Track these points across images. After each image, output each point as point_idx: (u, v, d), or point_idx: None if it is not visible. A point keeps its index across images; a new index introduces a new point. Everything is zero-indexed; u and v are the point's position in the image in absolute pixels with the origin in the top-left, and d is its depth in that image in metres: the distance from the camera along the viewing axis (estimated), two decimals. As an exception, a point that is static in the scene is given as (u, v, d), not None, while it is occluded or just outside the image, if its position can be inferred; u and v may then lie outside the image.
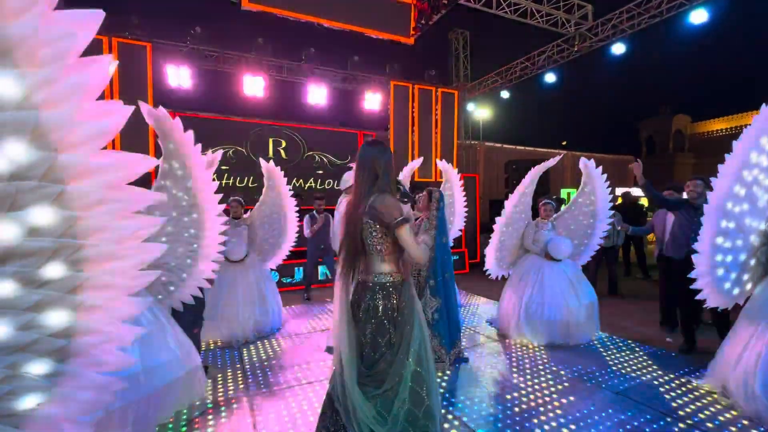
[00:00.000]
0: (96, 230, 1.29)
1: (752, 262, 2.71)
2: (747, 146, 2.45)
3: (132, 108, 1.25)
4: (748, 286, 2.77)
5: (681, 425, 2.45)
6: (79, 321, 1.36)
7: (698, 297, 2.73)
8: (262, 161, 4.43)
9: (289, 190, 4.57)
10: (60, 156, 1.17)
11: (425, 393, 1.59)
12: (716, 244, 2.60)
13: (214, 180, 2.88)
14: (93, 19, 1.11)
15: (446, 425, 2.43)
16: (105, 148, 1.25)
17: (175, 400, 2.50)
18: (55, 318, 1.31)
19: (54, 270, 1.25)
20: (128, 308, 1.45)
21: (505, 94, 10.66)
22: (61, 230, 1.23)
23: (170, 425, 2.43)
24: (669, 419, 2.52)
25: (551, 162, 4.06)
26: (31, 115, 1.10)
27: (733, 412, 2.57)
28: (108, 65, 1.16)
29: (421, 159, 5.67)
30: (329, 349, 3.56)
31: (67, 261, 1.27)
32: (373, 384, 1.59)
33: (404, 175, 5.32)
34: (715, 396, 2.78)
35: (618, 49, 7.78)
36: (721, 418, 2.54)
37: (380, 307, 1.65)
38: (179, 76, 7.69)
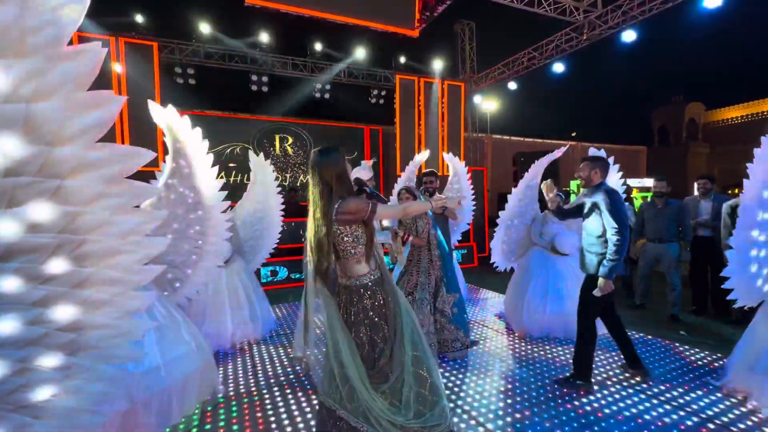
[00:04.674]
0: (97, 225, 1.28)
1: None
2: None
3: (124, 98, 1.22)
4: None
5: (694, 419, 2.41)
6: (86, 316, 1.37)
7: (730, 297, 2.60)
8: (251, 154, 4.21)
9: (277, 186, 4.33)
10: (54, 150, 1.15)
11: (426, 372, 1.69)
12: (752, 238, 2.44)
13: (220, 178, 2.91)
14: (78, 4, 1.07)
15: (455, 419, 2.43)
16: (114, 141, 1.24)
17: (196, 392, 2.53)
18: (62, 313, 1.32)
19: (57, 265, 1.26)
20: (136, 302, 1.46)
21: (512, 86, 10.51)
22: (61, 226, 1.23)
23: (183, 418, 2.47)
24: (682, 413, 2.48)
25: (556, 154, 3.98)
26: (21, 108, 1.07)
27: (760, 416, 2.44)
28: (98, 53, 1.12)
29: (428, 152, 5.61)
30: (293, 360, 3.40)
31: (70, 257, 1.27)
32: (379, 380, 1.65)
33: (410, 170, 5.29)
34: (738, 398, 2.64)
35: (628, 36, 7.58)
36: (748, 421, 2.47)
37: (369, 307, 1.72)
38: (185, 74, 7.73)
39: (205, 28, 7.90)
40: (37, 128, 1.11)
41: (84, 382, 1.46)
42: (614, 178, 4.06)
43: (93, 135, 1.19)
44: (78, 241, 1.26)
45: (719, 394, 2.70)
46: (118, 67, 6.96)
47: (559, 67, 9.12)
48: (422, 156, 5.40)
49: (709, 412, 2.48)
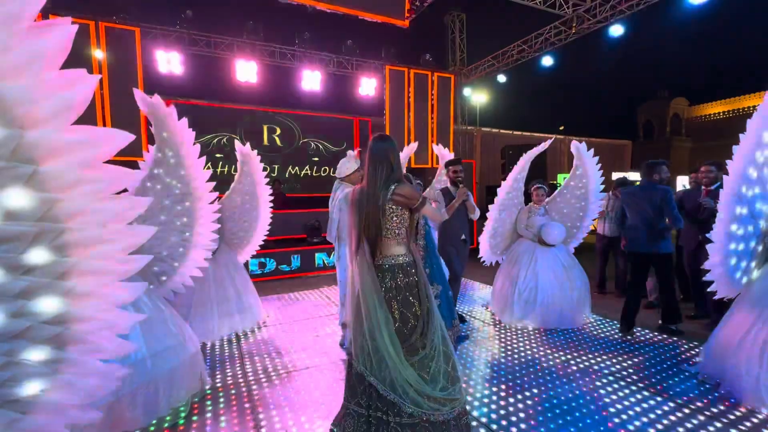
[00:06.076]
0: (77, 213, 1.24)
1: (760, 248, 2.64)
2: (760, 125, 2.35)
3: (98, 77, 1.17)
4: (755, 274, 2.68)
5: (671, 404, 2.50)
6: (71, 308, 1.34)
7: (710, 289, 2.67)
8: (237, 144, 4.10)
9: (265, 177, 4.24)
10: (27, 133, 1.10)
11: (450, 350, 1.85)
12: (730, 232, 2.50)
13: (207, 168, 2.86)
14: None
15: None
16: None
17: (184, 385, 2.51)
18: (46, 305, 1.29)
19: (38, 255, 1.22)
20: (122, 294, 1.42)
21: (501, 78, 10.53)
22: (39, 213, 1.19)
23: (170, 410, 2.45)
24: (659, 399, 2.57)
25: (542, 147, 4.04)
26: None
27: (732, 400, 2.52)
28: (68, 29, 1.07)
29: (416, 144, 5.61)
30: (345, 325, 3.46)
31: (50, 246, 1.24)
32: (410, 353, 1.78)
33: (402, 159, 5.29)
34: (712, 384, 2.72)
35: (616, 30, 7.66)
36: (721, 406, 2.57)
37: (403, 285, 1.84)
38: (170, 61, 7.53)
39: (189, 14, 7.69)
40: (7, 110, 1.06)
41: (74, 376, 1.43)
42: (593, 170, 4.14)
43: (67, 117, 1.13)
44: (58, 230, 1.22)
45: (694, 381, 2.81)
46: (98, 54, 6.73)
47: (547, 61, 9.17)
48: (411, 148, 5.40)
49: (685, 398, 2.58)
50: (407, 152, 5.36)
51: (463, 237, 3.82)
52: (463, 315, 4.29)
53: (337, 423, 1.91)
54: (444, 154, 5.19)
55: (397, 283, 1.83)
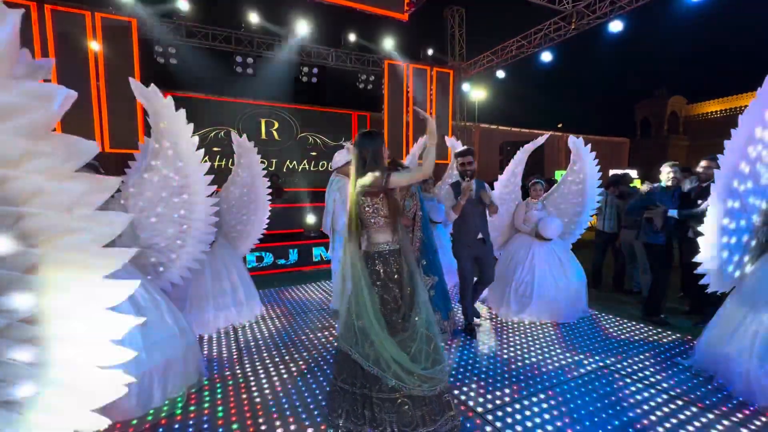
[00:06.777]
0: (32, 194, 1.08)
1: (753, 242, 2.66)
2: (752, 120, 2.36)
3: (21, 11, 0.97)
4: (747, 268, 2.70)
5: (664, 396, 2.54)
6: (49, 307, 1.20)
7: (702, 282, 2.69)
8: (234, 135, 4.02)
9: (263, 169, 4.23)
10: None
11: (433, 334, 1.96)
12: (722, 225, 2.52)
13: (205, 161, 2.85)
14: None
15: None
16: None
17: (180, 376, 2.51)
18: (20, 301, 1.16)
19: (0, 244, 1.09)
20: (108, 293, 1.24)
21: (500, 74, 10.50)
22: None
23: (166, 401, 2.46)
24: (653, 391, 2.60)
25: (539, 141, 4.05)
26: None
27: (724, 392, 2.56)
28: None
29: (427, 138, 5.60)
30: (335, 312, 3.53)
31: (11, 234, 1.09)
32: (392, 333, 1.89)
33: (414, 153, 5.30)
34: (705, 377, 2.76)
35: (615, 26, 7.66)
36: (713, 398, 2.60)
37: (381, 272, 1.97)
38: (166, 53, 7.47)
39: (183, 5, 7.61)
40: None
41: (71, 381, 1.33)
42: (591, 165, 4.15)
43: None
44: (15, 214, 1.07)
45: (688, 373, 2.84)
46: (95, 45, 6.67)
47: (546, 57, 9.15)
48: (424, 140, 5.38)
49: (678, 390, 2.61)
50: (419, 145, 5.30)
51: (481, 236, 3.55)
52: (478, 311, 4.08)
53: (328, 403, 2.03)
54: (455, 145, 5.15)
55: (377, 269, 1.97)
